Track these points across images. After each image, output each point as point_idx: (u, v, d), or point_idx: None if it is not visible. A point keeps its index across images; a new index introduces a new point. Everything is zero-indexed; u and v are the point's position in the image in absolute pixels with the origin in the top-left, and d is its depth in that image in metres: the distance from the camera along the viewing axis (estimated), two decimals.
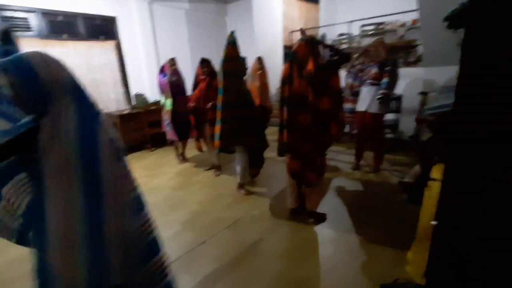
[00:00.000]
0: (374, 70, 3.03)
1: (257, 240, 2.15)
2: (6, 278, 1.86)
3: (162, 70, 3.71)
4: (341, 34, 6.55)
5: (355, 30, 6.04)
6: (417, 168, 2.64)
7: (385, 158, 3.60)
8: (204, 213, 2.60)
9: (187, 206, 2.73)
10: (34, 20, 3.82)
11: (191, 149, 4.09)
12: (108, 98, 4.66)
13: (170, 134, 3.77)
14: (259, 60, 4.02)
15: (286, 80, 2.08)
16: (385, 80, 2.95)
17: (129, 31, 4.76)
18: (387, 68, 2.95)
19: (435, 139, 2.19)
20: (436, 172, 1.45)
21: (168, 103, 3.65)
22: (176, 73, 3.76)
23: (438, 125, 2.19)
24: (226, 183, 3.23)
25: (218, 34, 6.40)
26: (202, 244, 2.11)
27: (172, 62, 3.68)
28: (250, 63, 4.38)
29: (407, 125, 4.23)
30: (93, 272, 0.76)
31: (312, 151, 2.11)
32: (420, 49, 5.02)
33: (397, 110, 4.13)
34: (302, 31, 2.26)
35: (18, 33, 3.72)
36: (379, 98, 2.96)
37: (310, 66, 1.97)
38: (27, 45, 3.74)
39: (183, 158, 4.13)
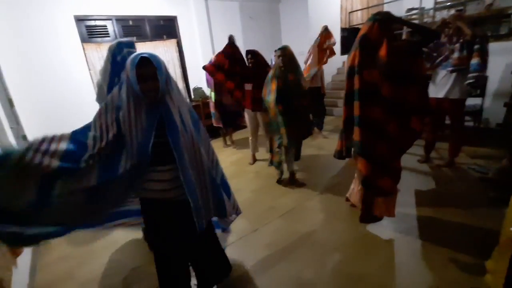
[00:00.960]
0: (456, 54, 2.51)
1: (311, 231, 2.11)
2: (92, 249, 2.23)
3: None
4: (410, 9, 5.78)
5: (428, 3, 5.26)
6: (504, 162, 2.21)
7: (464, 150, 3.11)
8: (257, 201, 2.66)
9: (241, 195, 2.83)
10: (110, 27, 4.36)
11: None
12: None
13: (215, 121, 4.27)
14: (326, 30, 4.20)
15: (355, 70, 1.73)
16: (475, 61, 2.42)
17: (188, 28, 5.06)
18: (476, 47, 2.42)
19: None
20: None
21: (212, 95, 4.14)
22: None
23: None
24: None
25: (272, 22, 6.34)
26: (255, 232, 2.17)
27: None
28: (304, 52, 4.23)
29: (495, 111, 3.57)
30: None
31: (389, 152, 1.74)
32: None
33: (481, 94, 3.51)
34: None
35: (99, 39, 4.29)
36: (470, 83, 2.47)
37: (383, 51, 1.65)
38: (106, 49, 4.29)
39: (230, 141, 4.61)
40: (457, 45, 2.52)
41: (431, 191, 2.50)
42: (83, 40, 4.12)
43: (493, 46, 3.66)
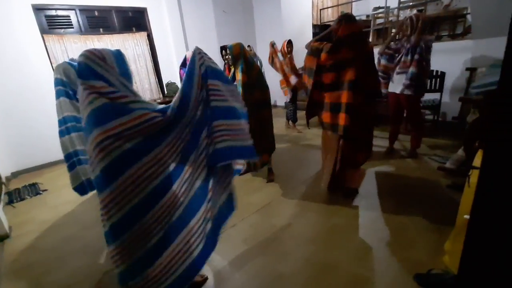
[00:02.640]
0: (403, 58, 2.76)
1: (286, 224, 2.18)
2: (59, 255, 2.12)
3: (184, 64, 3.75)
4: (376, 8, 6.05)
5: (392, 2, 5.53)
6: (460, 153, 2.43)
7: (425, 142, 3.37)
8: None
9: None
10: (74, 17, 4.08)
11: None
12: (142, 88, 4.90)
13: None
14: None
15: (344, 64, 2.07)
16: (412, 69, 2.70)
17: (159, 21, 4.89)
18: (416, 56, 2.66)
19: (482, 122, 1.98)
20: (479, 159, 1.32)
21: None
22: None
23: (486, 105, 1.98)
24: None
25: (245, 16, 6.30)
26: (233, 227, 2.20)
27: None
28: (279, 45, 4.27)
29: (451, 105, 3.88)
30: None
31: (364, 131, 2.24)
32: (469, 19, 4.48)
33: (439, 89, 3.79)
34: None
35: (62, 30, 4.01)
36: (406, 86, 2.76)
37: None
38: (70, 41, 4.03)
39: None
40: (404, 49, 2.77)
41: (395, 180, 2.68)
42: (43, 31, 3.82)
43: (449, 45, 3.97)
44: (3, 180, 3.55)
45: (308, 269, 1.71)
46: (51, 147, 3.86)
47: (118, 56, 1.16)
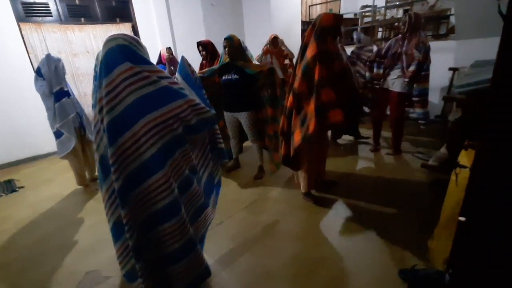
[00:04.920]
0: (412, 67, 2.73)
1: (273, 221, 2.17)
2: (37, 254, 2.03)
3: (160, 61, 3.67)
4: (364, 6, 6.10)
5: (380, 2, 5.60)
6: (443, 150, 2.49)
7: (408, 140, 3.45)
8: (221, 194, 2.64)
9: None
10: (53, 5, 3.87)
11: None
12: None
13: None
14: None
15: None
16: (416, 87, 2.82)
17: (145, 12, 4.73)
18: (413, 67, 2.72)
19: (465, 120, 2.04)
20: (465, 157, 1.36)
21: None
22: (173, 61, 3.69)
23: (469, 104, 2.03)
24: (242, 164, 3.25)
25: (233, 11, 6.19)
26: (220, 225, 2.17)
27: (170, 51, 3.60)
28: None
29: (433, 104, 3.98)
30: None
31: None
32: (453, 20, 4.60)
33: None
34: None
35: (39, 19, 3.80)
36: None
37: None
38: (48, 30, 3.83)
39: None
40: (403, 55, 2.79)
41: (379, 177, 2.73)
42: (20, 19, 3.61)
43: (433, 45, 4.05)
44: None
45: (295, 266, 1.71)
46: (28, 142, 3.68)
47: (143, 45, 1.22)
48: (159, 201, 1.08)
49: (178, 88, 1.17)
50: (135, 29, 4.70)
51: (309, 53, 1.90)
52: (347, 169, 2.93)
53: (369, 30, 5.30)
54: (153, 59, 4.97)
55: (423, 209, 2.13)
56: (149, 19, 4.80)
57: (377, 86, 3.10)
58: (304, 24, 6.38)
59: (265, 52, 3.99)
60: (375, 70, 3.06)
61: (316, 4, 6.78)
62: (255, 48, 6.26)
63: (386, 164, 3.00)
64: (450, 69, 3.66)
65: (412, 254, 1.69)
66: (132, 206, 1.05)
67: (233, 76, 2.50)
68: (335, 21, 1.88)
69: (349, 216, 2.17)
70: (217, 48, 3.30)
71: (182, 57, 1.50)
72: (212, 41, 3.40)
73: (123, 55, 1.02)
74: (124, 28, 4.55)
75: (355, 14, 6.49)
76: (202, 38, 5.44)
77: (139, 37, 4.76)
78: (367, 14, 6.04)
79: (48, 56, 2.45)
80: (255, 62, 3.61)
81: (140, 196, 1.05)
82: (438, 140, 3.36)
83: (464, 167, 1.28)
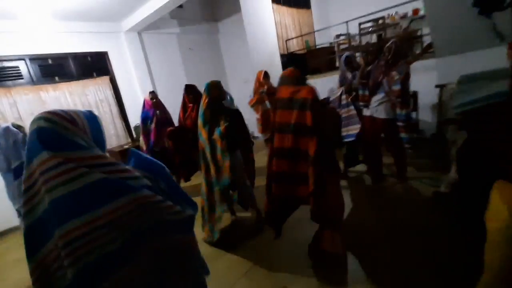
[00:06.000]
0: (396, 87, 2.68)
1: None
2: None
3: (144, 106, 3.50)
4: (338, 35, 6.31)
5: (353, 29, 5.79)
6: (453, 175, 2.29)
7: (411, 164, 3.25)
8: (214, 256, 2.31)
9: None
10: (24, 67, 3.73)
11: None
12: (108, 134, 4.51)
13: None
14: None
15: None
16: (401, 112, 2.73)
17: (122, 63, 4.66)
18: (398, 87, 2.67)
19: (474, 142, 1.87)
20: (499, 192, 1.14)
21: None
22: (159, 106, 3.54)
23: (475, 124, 1.87)
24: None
25: (212, 53, 6.28)
26: None
27: (153, 95, 3.46)
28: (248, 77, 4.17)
29: (427, 123, 3.90)
30: None
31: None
32: (426, 40, 4.72)
33: (414, 108, 3.80)
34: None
35: (10, 82, 3.63)
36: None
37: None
38: (19, 93, 3.65)
39: None
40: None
41: (388, 213, 2.46)
42: None
43: (415, 65, 4.09)
44: None
45: None
46: None
47: (91, 118, 0.88)
48: None
49: (127, 177, 0.81)
50: (113, 81, 4.59)
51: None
52: (350, 207, 2.65)
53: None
54: (137, 107, 4.82)
55: (447, 253, 1.84)
56: (126, 69, 4.73)
57: (364, 113, 2.99)
58: (283, 56, 6.51)
59: (257, 88, 3.92)
60: (360, 92, 2.96)
61: (292, 38, 7.00)
62: (237, 84, 6.27)
63: (394, 196, 2.75)
64: (437, 86, 3.62)
65: None
66: None
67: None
68: None
69: (360, 269, 1.85)
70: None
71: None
72: (194, 84, 3.33)
73: (42, 142, 0.76)
74: (101, 82, 4.43)
75: (331, 43, 6.69)
76: (183, 81, 5.40)
77: (118, 87, 4.63)
78: (342, 41, 6.22)
79: (7, 129, 2.22)
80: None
81: None
82: (439, 161, 3.18)
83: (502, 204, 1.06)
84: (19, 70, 3.70)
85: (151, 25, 4.61)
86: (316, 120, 1.74)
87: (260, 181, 2.63)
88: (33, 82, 3.80)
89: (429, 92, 3.88)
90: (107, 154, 0.92)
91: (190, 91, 3.17)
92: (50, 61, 3.96)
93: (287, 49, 6.85)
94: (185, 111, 3.27)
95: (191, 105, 3.16)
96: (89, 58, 4.35)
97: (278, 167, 1.89)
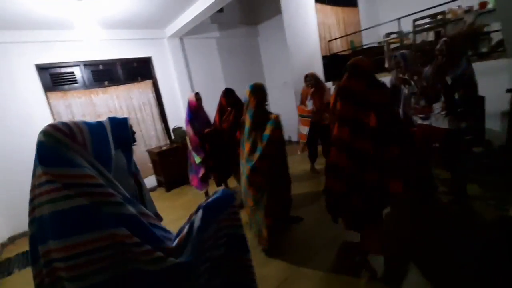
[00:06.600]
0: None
1: None
2: None
3: (189, 107, 3.43)
4: (389, 34, 5.76)
5: (406, 27, 5.23)
6: None
7: (473, 180, 2.76)
8: None
9: None
10: (78, 73, 4.08)
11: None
12: (148, 135, 4.73)
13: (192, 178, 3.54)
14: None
15: None
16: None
17: (164, 68, 4.85)
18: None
19: None
20: None
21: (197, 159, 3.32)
22: (201, 109, 3.49)
23: None
24: None
25: (252, 56, 6.24)
26: None
27: (198, 96, 3.43)
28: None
29: (496, 131, 3.30)
30: None
31: None
32: (495, 37, 4.04)
33: (480, 116, 3.25)
34: None
35: (66, 86, 4.00)
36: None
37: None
38: (74, 96, 3.99)
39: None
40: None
41: (445, 239, 2.08)
42: (47, 89, 3.81)
43: (479, 66, 3.50)
44: None
45: None
46: None
47: (97, 130, 0.88)
48: None
49: (110, 202, 0.76)
50: (155, 85, 4.80)
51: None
52: (397, 227, 2.32)
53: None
54: (176, 110, 4.98)
55: None
56: (168, 73, 4.91)
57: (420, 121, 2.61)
58: (325, 58, 6.19)
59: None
60: (421, 102, 2.57)
61: (335, 39, 6.63)
62: (275, 89, 6.14)
63: (449, 218, 2.34)
64: (508, 90, 3.05)
65: None
66: None
67: None
68: None
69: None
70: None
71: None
72: (232, 87, 3.33)
73: (38, 156, 0.77)
74: (145, 86, 4.66)
75: (379, 43, 6.17)
76: (221, 85, 5.44)
77: (159, 91, 4.83)
78: (393, 40, 5.67)
79: None
80: None
81: None
82: (508, 178, 2.65)
83: None
84: (74, 75, 4.05)
85: (192, 30, 4.72)
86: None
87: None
88: (85, 86, 4.13)
89: (498, 97, 3.29)
90: (110, 168, 0.88)
91: (229, 94, 3.17)
92: (101, 67, 4.27)
93: (329, 50, 6.51)
94: (222, 115, 3.24)
95: (229, 108, 3.13)
96: (134, 64, 4.60)
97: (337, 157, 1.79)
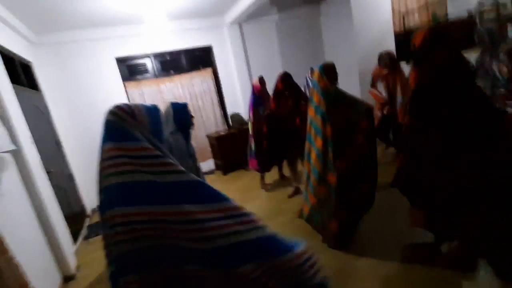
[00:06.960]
0: None
1: None
2: None
3: (253, 91, 3.50)
4: (482, 2, 4.70)
5: None
6: None
7: None
8: None
9: None
10: (149, 64, 4.50)
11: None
12: (208, 122, 4.99)
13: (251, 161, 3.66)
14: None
15: None
16: None
17: (223, 55, 4.98)
18: None
19: None
20: None
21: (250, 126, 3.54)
22: (266, 93, 3.52)
23: None
24: None
25: (312, 38, 5.89)
26: None
27: (262, 80, 3.42)
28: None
29: None
30: None
31: None
32: None
33: None
34: None
35: (139, 76, 4.46)
36: None
37: None
38: (145, 85, 4.43)
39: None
40: None
41: None
42: (124, 79, 4.31)
43: None
44: (89, 212, 3.97)
45: None
46: None
47: (152, 111, 1.03)
48: None
49: (168, 171, 0.88)
50: (215, 73, 4.98)
51: None
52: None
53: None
54: (234, 97, 5.10)
55: None
56: (227, 60, 5.02)
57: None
58: (399, 36, 5.43)
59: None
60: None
61: (413, 12, 5.74)
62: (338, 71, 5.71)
63: None
64: None
65: None
66: None
67: None
68: None
69: None
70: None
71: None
72: (289, 71, 3.22)
73: (107, 133, 0.91)
74: (205, 73, 4.88)
75: (470, 13, 5.11)
76: (279, 69, 5.31)
77: (219, 78, 4.99)
78: (486, 9, 4.62)
79: None
80: None
81: None
82: None
83: None
84: (145, 66, 4.49)
85: (251, 15, 4.67)
86: None
87: None
88: (155, 75, 4.54)
89: None
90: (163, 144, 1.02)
91: (287, 78, 3.07)
92: (168, 57, 4.62)
93: (404, 25, 5.70)
94: (278, 99, 3.15)
95: (286, 92, 3.04)
96: (197, 53, 4.84)
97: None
